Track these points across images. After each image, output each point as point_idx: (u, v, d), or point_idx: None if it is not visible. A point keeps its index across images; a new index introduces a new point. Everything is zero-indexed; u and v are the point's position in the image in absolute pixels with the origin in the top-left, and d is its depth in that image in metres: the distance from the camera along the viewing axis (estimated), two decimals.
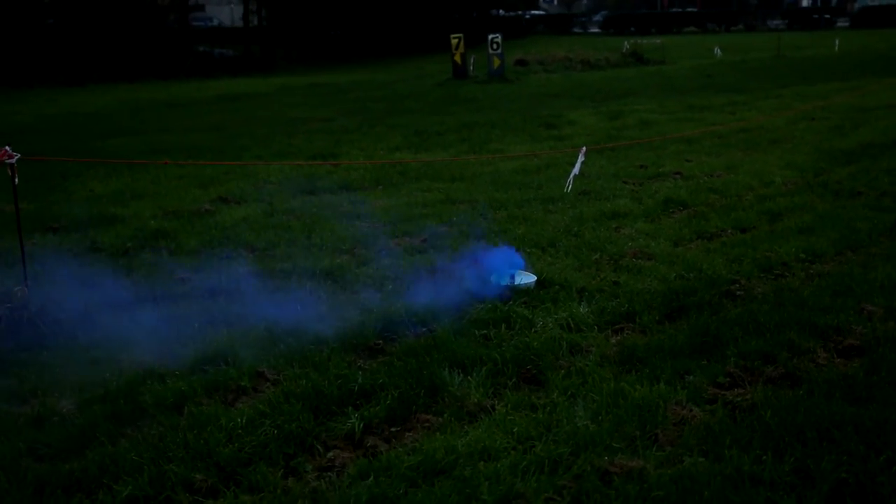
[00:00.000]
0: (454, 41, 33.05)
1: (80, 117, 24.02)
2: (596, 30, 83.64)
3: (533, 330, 6.11)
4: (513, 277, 7.15)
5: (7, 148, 6.63)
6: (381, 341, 6.01)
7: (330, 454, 4.58)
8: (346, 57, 54.17)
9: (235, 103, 27.02)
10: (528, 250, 8.09)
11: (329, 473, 4.39)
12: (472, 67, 34.10)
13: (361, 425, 4.79)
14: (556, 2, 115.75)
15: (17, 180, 6.79)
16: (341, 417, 4.91)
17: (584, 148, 10.80)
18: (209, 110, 24.84)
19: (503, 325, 6.20)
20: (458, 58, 33.24)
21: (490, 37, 32.36)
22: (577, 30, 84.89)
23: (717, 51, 42.94)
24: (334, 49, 56.36)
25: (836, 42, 43.58)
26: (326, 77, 38.01)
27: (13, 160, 6.66)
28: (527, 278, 7.17)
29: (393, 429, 4.82)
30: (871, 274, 7.13)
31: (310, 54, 56.22)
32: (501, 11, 74.45)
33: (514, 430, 4.66)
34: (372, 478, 4.25)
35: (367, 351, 5.87)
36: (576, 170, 10.65)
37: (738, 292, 6.85)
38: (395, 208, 10.31)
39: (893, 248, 7.95)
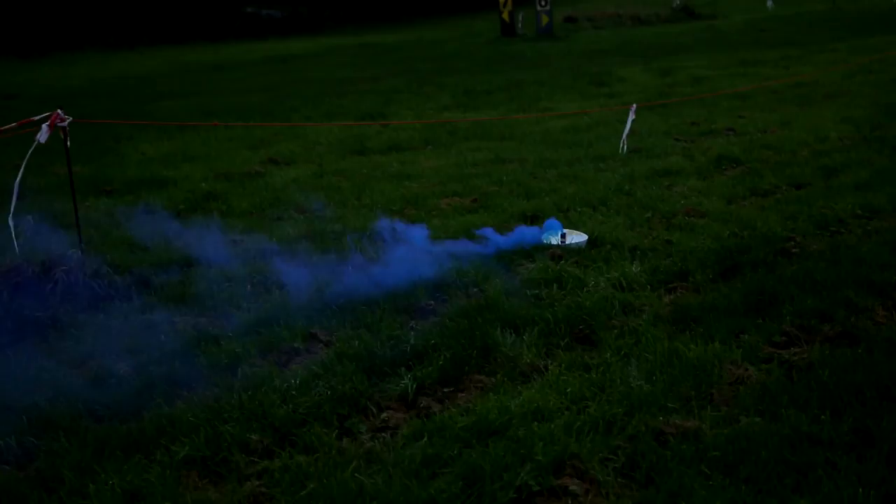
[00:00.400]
0: None
1: (130, 80, 24.17)
2: None
3: (585, 290, 6.07)
4: (563, 236, 7.09)
5: (59, 111, 6.68)
6: (432, 302, 6.00)
7: (383, 415, 4.59)
8: (394, 16, 53.89)
9: (284, 64, 27.04)
10: (579, 209, 8.04)
11: (383, 434, 4.40)
12: (520, 25, 33.82)
13: (414, 386, 4.79)
14: None
15: (69, 143, 6.84)
16: (394, 378, 4.91)
17: (635, 105, 10.68)
18: (258, 72, 24.88)
19: (555, 286, 6.16)
20: (505, 15, 32.99)
21: None
22: None
23: (770, 4, 42.20)
24: (382, 8, 56.12)
25: None
26: (374, 37, 37.88)
27: (65, 123, 6.71)
28: (578, 237, 7.12)
29: (446, 389, 4.81)
30: None
31: (358, 14, 56.03)
32: None
33: (568, 390, 4.64)
34: (426, 438, 4.25)
35: (418, 312, 5.86)
36: (627, 129, 10.54)
37: (794, 250, 6.75)
38: (445, 168, 10.28)
39: None
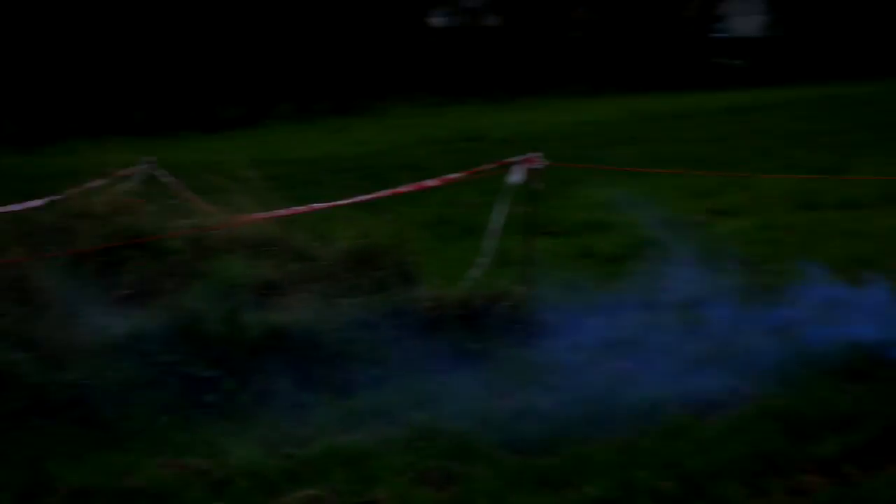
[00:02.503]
0: None
1: (586, 126, 24.87)
2: None
3: None
4: None
5: (539, 154, 6.99)
6: (870, 366, 5.65)
7: (802, 477, 4.39)
8: (869, 69, 51.31)
9: (741, 115, 26.60)
10: None
11: (799, 497, 4.22)
12: None
13: (839, 451, 4.54)
14: None
15: (541, 186, 7.14)
16: (818, 441, 4.69)
17: None
18: (714, 122, 24.67)
19: None
20: None
21: None
22: None
23: None
24: (855, 61, 53.65)
25: None
26: (844, 89, 36.25)
27: (541, 166, 7.02)
28: None
29: (873, 458, 4.52)
30: None
31: (826, 66, 53.98)
32: None
33: None
34: None
35: (851, 375, 5.53)
36: None
37: None
38: None
39: None
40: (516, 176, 6.86)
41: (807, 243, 8.93)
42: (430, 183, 8.14)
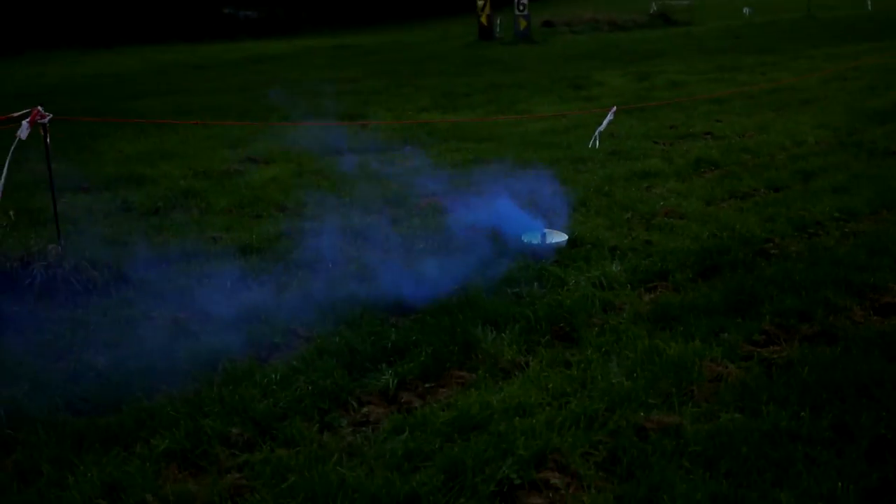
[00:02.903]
0: (480, 2, 32.80)
1: (107, 78, 24.03)
2: None
3: (565, 288, 6.08)
4: (544, 236, 7.11)
5: (39, 108, 6.63)
6: (413, 299, 5.99)
7: (364, 409, 4.59)
8: (371, 19, 53.82)
9: (261, 65, 26.94)
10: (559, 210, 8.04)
11: (364, 428, 4.40)
12: (498, 29, 33.83)
13: (395, 381, 4.79)
14: None
15: (49, 140, 6.80)
16: (375, 374, 4.91)
17: (614, 107, 10.72)
18: (235, 72, 24.78)
19: (535, 284, 6.17)
20: (483, 19, 33.01)
21: None
22: None
23: (747, 10, 42.44)
24: (359, 11, 56.04)
25: (868, 1, 42.98)
26: (351, 39, 37.81)
27: (45, 120, 6.66)
28: (558, 237, 7.14)
29: (427, 385, 4.82)
30: None
31: (334, 16, 55.95)
32: None
33: (549, 386, 4.65)
34: (407, 432, 4.26)
35: (399, 309, 5.85)
36: (602, 126, 10.56)
37: (773, 251, 6.80)
38: (424, 168, 10.27)
39: None
40: (24, 131, 6.45)
41: (341, 186, 9.24)
42: None
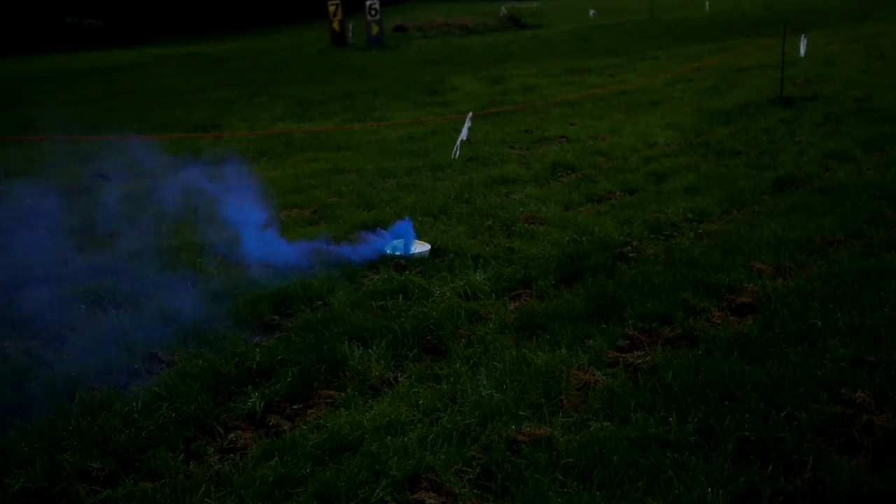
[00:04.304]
0: (331, 8, 32.65)
1: None
2: None
3: (430, 299, 6.06)
4: (407, 247, 7.08)
5: None
6: (276, 317, 5.89)
7: (231, 435, 4.45)
8: (222, 26, 53.00)
9: (109, 75, 26.22)
10: (420, 218, 8.04)
11: (232, 455, 4.28)
12: (350, 34, 33.74)
13: (262, 404, 4.68)
14: None
15: None
16: (241, 397, 4.79)
17: (471, 113, 10.76)
18: (82, 83, 24.05)
19: (400, 296, 6.13)
20: (336, 25, 32.86)
21: (368, 3, 32.03)
22: None
23: (592, 13, 43.38)
24: (209, 18, 55.11)
25: (707, 3, 44.44)
26: (203, 47, 37.18)
27: None
28: (421, 247, 7.12)
29: (295, 406, 4.72)
30: (758, 232, 7.27)
31: (184, 24, 54.87)
32: None
33: (419, 402, 4.61)
34: (276, 458, 4.16)
35: (262, 327, 5.74)
36: (463, 135, 10.60)
37: (631, 254, 6.91)
38: (282, 179, 10.15)
39: (776, 206, 8.13)
40: None
41: (197, 200, 9.02)
42: None
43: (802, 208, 7.94)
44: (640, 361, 5.02)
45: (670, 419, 4.29)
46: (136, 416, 4.55)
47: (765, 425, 4.17)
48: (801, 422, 4.21)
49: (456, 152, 10.58)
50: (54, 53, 38.68)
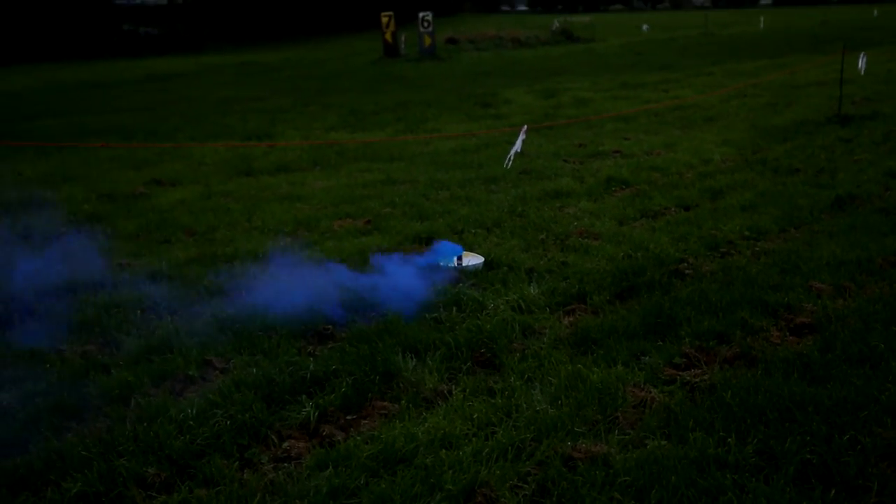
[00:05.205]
0: (384, 19, 32.81)
1: (2, 97, 23.38)
2: (523, 7, 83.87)
3: (484, 312, 6.02)
4: (460, 259, 7.05)
5: None
6: (330, 326, 5.88)
7: (285, 444, 4.45)
8: (275, 36, 53.45)
9: (165, 83, 26.52)
10: (474, 231, 8.02)
11: (286, 464, 4.27)
12: (403, 46, 33.87)
13: (316, 414, 4.67)
14: None
15: None
16: (295, 406, 4.78)
17: (526, 126, 10.72)
18: (138, 90, 24.34)
19: (454, 308, 6.10)
20: (388, 36, 33.01)
21: (420, 15, 32.15)
22: (504, 7, 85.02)
23: (645, 27, 43.19)
24: (262, 28, 55.57)
25: (762, 19, 44.09)
26: (256, 56, 37.50)
27: None
28: (474, 259, 7.09)
29: (349, 417, 4.70)
30: (817, 252, 7.16)
31: (238, 33, 55.39)
32: None
33: (474, 415, 4.57)
34: (330, 468, 4.14)
35: (317, 337, 5.73)
36: (517, 147, 10.54)
37: (687, 271, 6.84)
38: (335, 189, 10.17)
39: (835, 225, 8.01)
40: None
41: (251, 208, 9.09)
42: None
43: (862, 228, 7.82)
44: (697, 380, 4.95)
45: (729, 440, 4.22)
46: (191, 422, 4.56)
47: (827, 448, 4.09)
48: (865, 446, 4.12)
49: (509, 162, 10.53)
50: (112, 60, 39.17)
